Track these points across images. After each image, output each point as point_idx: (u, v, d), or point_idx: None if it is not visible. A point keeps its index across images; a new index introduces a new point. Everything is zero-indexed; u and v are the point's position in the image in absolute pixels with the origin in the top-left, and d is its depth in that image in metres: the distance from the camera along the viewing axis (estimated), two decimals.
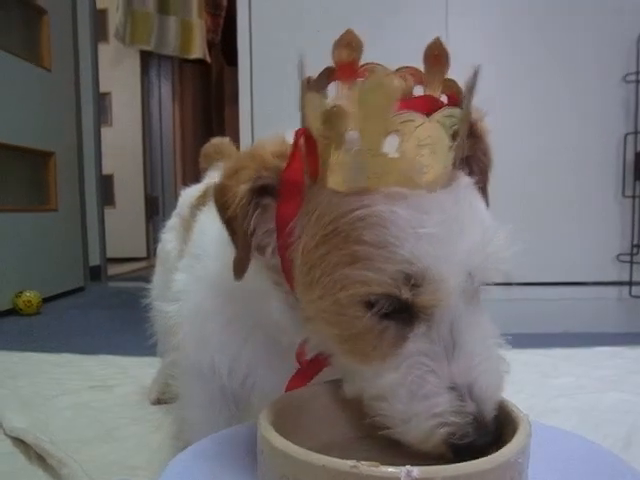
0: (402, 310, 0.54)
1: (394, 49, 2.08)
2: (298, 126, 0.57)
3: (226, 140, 1.38)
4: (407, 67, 0.62)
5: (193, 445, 0.66)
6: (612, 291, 2.11)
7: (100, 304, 3.03)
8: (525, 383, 1.44)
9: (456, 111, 0.55)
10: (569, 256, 2.11)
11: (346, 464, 0.45)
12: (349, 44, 0.62)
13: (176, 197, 1.29)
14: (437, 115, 0.54)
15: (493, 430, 0.53)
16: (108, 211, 3.95)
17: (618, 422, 1.16)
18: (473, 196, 0.57)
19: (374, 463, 0.45)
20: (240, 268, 0.62)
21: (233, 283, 0.63)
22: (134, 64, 4.99)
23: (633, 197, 2.07)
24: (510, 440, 0.49)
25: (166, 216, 1.31)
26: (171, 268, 1.08)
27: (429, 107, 0.55)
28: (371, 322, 0.55)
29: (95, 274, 3.64)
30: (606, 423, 1.16)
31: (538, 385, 1.43)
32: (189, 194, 1.19)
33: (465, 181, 0.57)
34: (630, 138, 2.06)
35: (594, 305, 2.10)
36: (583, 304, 2.09)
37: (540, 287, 2.10)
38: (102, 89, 3.88)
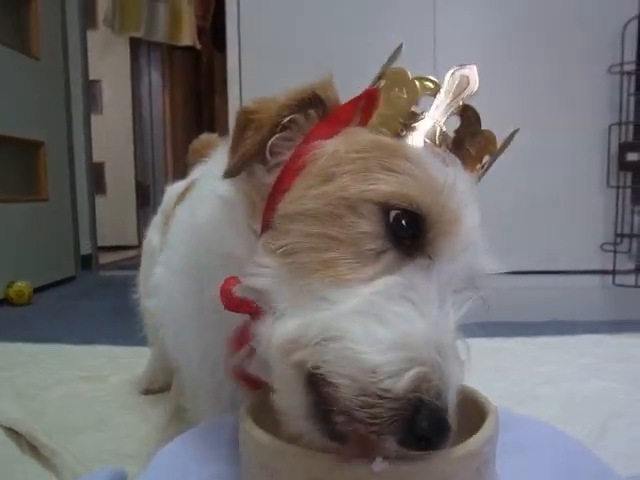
0: (413, 236, 0.50)
1: (381, 44, 2.09)
2: None
3: (214, 136, 1.39)
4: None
5: (181, 435, 0.68)
6: (596, 280, 2.14)
7: (91, 293, 3.04)
8: (510, 370, 1.48)
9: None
10: (554, 245, 2.14)
11: (317, 454, 0.47)
12: None
13: (167, 185, 1.30)
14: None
15: (446, 417, 0.43)
16: (99, 199, 3.94)
17: (596, 409, 1.19)
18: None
19: (344, 451, 0.46)
20: (234, 168, 0.62)
21: (199, 267, 0.66)
22: (124, 51, 4.94)
23: (617, 187, 2.10)
24: (477, 431, 0.51)
25: (157, 204, 1.31)
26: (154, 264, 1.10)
27: None
28: (375, 230, 0.50)
29: (86, 263, 3.64)
30: (585, 410, 1.20)
31: (522, 372, 1.47)
32: (174, 190, 1.20)
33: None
34: (614, 129, 2.08)
35: (579, 294, 2.13)
36: (568, 293, 2.12)
37: (525, 276, 2.12)
38: (91, 77, 3.84)
